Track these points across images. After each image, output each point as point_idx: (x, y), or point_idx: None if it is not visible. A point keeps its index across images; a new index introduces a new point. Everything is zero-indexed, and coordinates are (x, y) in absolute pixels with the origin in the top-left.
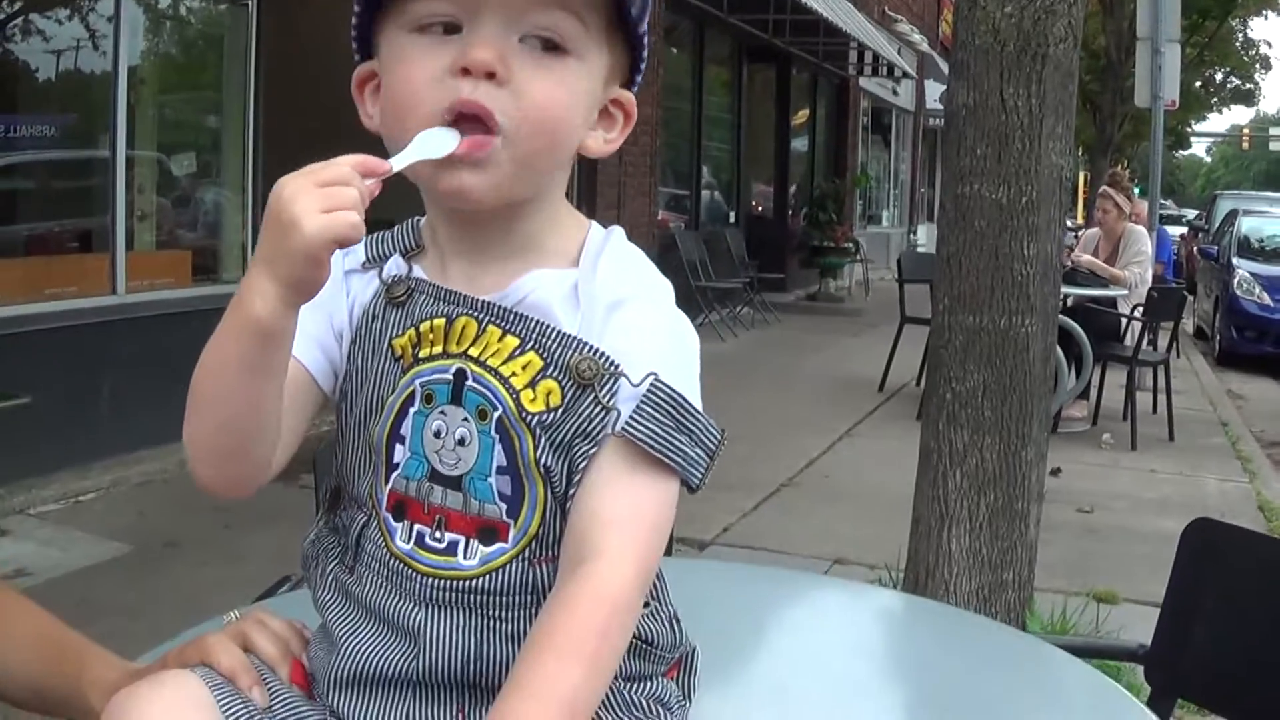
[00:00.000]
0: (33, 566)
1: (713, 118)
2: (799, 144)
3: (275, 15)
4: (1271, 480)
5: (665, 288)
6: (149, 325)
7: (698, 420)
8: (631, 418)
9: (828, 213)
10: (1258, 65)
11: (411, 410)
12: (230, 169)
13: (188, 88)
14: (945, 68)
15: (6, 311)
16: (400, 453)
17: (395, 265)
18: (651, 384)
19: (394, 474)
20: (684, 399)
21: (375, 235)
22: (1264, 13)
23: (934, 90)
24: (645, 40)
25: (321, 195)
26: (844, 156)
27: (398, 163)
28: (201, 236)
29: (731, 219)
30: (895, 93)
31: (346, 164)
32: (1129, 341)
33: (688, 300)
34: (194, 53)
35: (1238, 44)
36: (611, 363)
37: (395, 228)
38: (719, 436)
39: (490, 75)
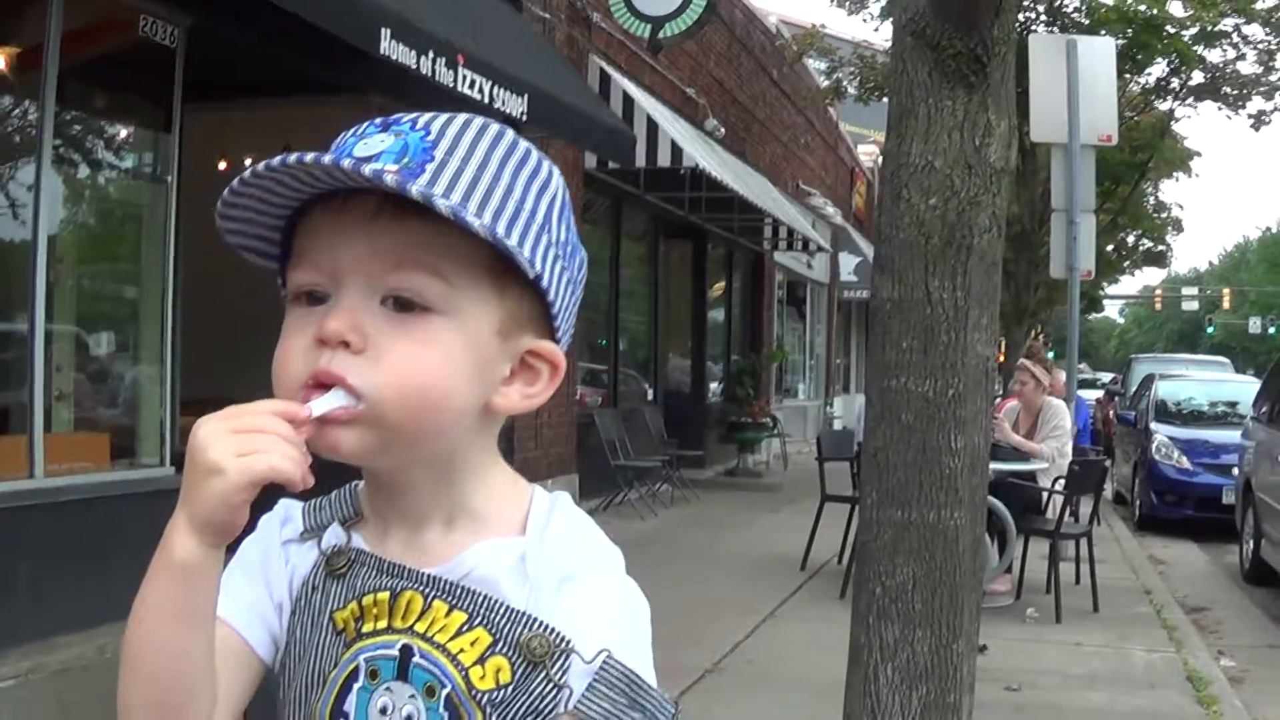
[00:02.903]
0: None
1: (630, 292)
2: (715, 319)
3: (195, 190)
4: (1198, 648)
5: (615, 557)
6: (67, 510)
7: (650, 697)
8: (584, 696)
9: (745, 388)
10: (1170, 227)
11: (355, 686)
12: (149, 345)
13: (107, 261)
14: (859, 240)
15: None
16: None
17: (334, 534)
18: (604, 662)
19: None
20: (637, 677)
21: (313, 503)
22: (1175, 175)
23: (848, 262)
24: (552, 288)
25: (237, 440)
26: (760, 330)
27: (317, 407)
28: (120, 414)
29: (650, 396)
30: (810, 266)
31: (265, 409)
32: (1050, 514)
33: (607, 479)
34: (113, 226)
35: (1149, 207)
36: (563, 639)
37: (333, 494)
38: (673, 711)
39: (345, 344)
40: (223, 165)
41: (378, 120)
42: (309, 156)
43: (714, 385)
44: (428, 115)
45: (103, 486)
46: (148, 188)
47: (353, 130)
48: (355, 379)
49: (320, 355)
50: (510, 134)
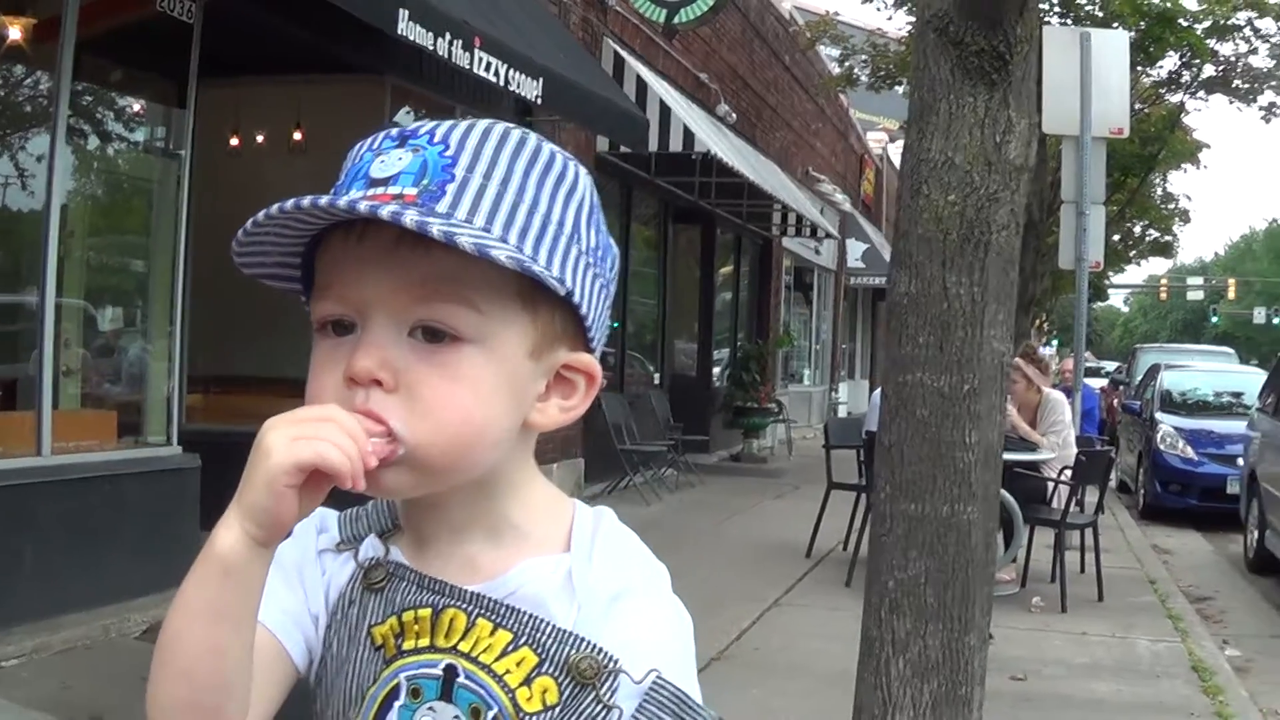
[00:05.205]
0: None
1: (638, 276)
2: (723, 303)
3: (208, 166)
4: (1203, 638)
5: (663, 575)
6: (73, 488)
7: (699, 716)
8: (634, 717)
9: (751, 373)
10: (1176, 218)
11: (396, 704)
12: (157, 321)
13: (117, 235)
14: (866, 226)
15: None
16: None
17: (371, 546)
18: (654, 682)
19: None
20: (686, 697)
21: (349, 513)
22: (1183, 167)
23: (855, 249)
24: (585, 301)
25: (297, 425)
26: (766, 316)
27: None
28: (127, 391)
29: (656, 380)
30: (817, 252)
31: (338, 408)
32: (1055, 504)
33: (612, 463)
34: (125, 200)
35: (1157, 198)
36: (612, 659)
37: (369, 505)
38: None
39: (377, 382)
40: (235, 141)
41: (394, 132)
42: (323, 200)
43: (720, 370)
44: (445, 125)
45: (109, 465)
46: (161, 162)
47: (369, 143)
48: (396, 423)
49: (354, 395)
50: (533, 139)
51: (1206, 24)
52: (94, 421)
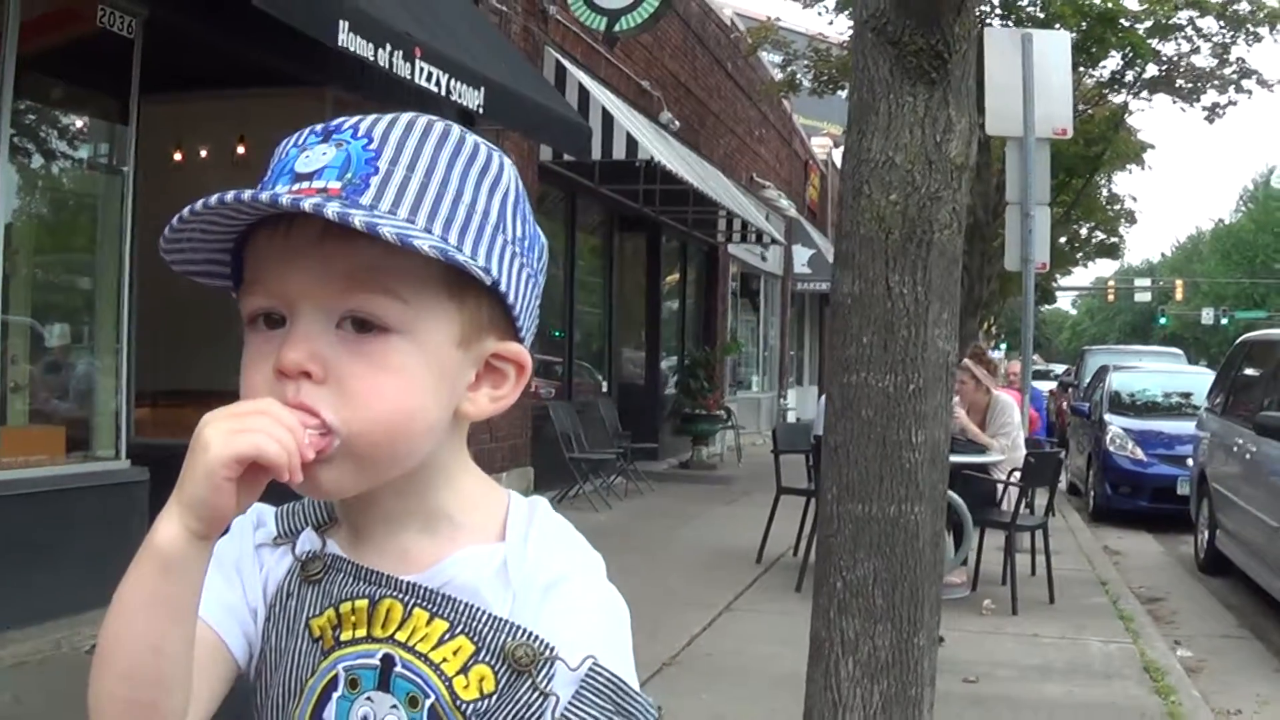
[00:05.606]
0: None
1: (584, 285)
2: (670, 311)
3: (151, 181)
4: (1154, 639)
5: (597, 562)
6: (21, 503)
7: (636, 702)
8: (571, 703)
9: (699, 380)
10: (1123, 219)
11: (335, 695)
12: (104, 337)
13: (63, 252)
14: (812, 232)
15: None
16: None
17: (308, 540)
18: (590, 668)
19: None
20: (623, 682)
21: (286, 507)
22: (1128, 168)
23: (801, 255)
24: (512, 290)
25: (234, 419)
26: (714, 323)
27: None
28: (74, 407)
29: (604, 388)
30: (764, 258)
31: (274, 401)
32: (1005, 506)
33: (561, 471)
34: (70, 217)
35: (1102, 199)
36: (548, 646)
37: (306, 499)
38: (656, 716)
39: (307, 375)
40: (179, 156)
41: (319, 127)
42: (246, 194)
43: (668, 378)
44: (370, 120)
45: (58, 480)
46: (104, 178)
47: (295, 139)
48: (328, 413)
49: (285, 388)
50: (456, 131)
51: (1148, 24)
52: (42, 437)
